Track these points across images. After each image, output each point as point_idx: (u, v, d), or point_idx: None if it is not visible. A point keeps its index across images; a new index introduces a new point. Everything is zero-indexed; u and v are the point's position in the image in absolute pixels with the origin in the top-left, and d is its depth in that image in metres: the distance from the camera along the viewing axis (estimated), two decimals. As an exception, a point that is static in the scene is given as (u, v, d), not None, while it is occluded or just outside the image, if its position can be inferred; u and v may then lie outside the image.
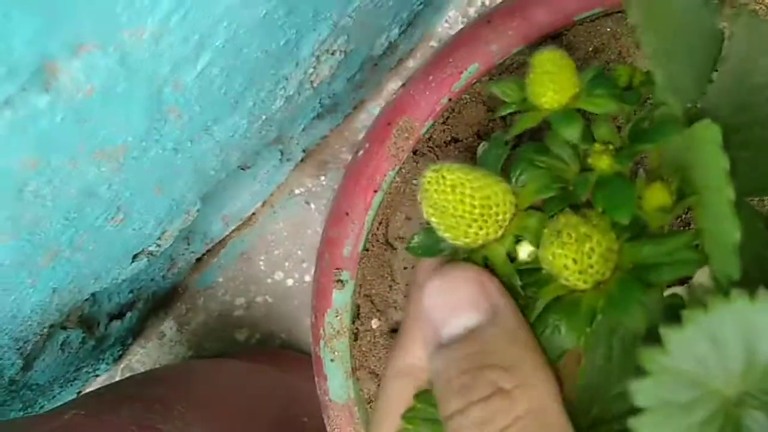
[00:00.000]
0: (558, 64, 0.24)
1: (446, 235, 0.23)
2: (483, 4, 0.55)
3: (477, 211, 0.23)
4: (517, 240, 0.24)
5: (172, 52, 0.30)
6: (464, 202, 0.23)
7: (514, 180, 0.25)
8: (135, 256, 0.46)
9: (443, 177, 0.23)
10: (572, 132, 0.24)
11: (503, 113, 0.25)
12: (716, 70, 0.26)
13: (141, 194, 0.38)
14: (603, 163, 0.24)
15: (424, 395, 0.24)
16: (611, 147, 0.25)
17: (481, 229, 0.23)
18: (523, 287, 0.24)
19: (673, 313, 0.20)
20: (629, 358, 0.23)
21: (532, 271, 0.24)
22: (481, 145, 0.27)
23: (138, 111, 0.31)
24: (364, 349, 0.38)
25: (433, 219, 0.23)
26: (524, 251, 0.24)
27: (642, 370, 0.18)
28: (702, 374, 0.18)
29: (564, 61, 0.24)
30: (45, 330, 0.43)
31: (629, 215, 0.22)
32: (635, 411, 0.18)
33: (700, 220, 0.23)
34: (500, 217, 0.23)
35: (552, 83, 0.24)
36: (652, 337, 0.23)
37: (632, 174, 0.26)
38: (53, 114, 0.27)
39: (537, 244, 0.23)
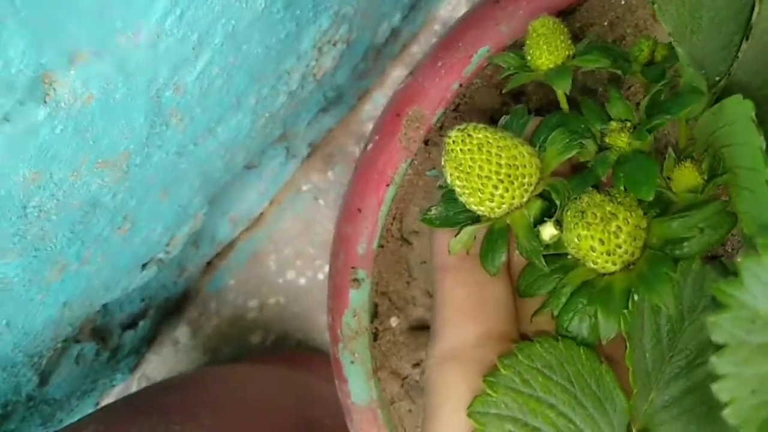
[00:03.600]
0: (551, 27, 0.25)
1: (470, 200, 0.23)
2: (484, -15, 0.53)
3: (504, 171, 0.22)
4: (540, 221, 0.23)
5: (170, 54, 0.29)
6: (491, 161, 0.22)
7: (537, 147, 0.24)
8: (144, 265, 0.45)
9: (469, 135, 0.22)
10: (564, 84, 0.24)
11: (504, 76, 0.26)
12: (746, 40, 0.25)
13: (146, 201, 0.37)
14: (620, 140, 0.24)
15: (509, 360, 0.23)
16: (628, 124, 0.24)
17: (507, 191, 0.22)
18: (548, 274, 0.23)
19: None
20: (678, 337, 0.22)
21: (556, 257, 0.23)
22: (502, 117, 0.26)
23: (138, 117, 0.30)
24: (384, 348, 0.37)
25: (457, 182, 0.22)
26: (547, 233, 0.23)
27: (717, 304, 0.17)
28: None
29: (556, 26, 0.25)
30: (58, 344, 0.42)
31: (652, 191, 0.22)
32: (712, 347, 0.17)
33: (735, 201, 0.22)
34: (526, 180, 0.22)
35: (546, 45, 0.25)
36: (699, 311, 0.22)
37: (660, 154, 0.25)
38: (53, 126, 0.26)
39: (564, 209, 0.22)
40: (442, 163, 0.23)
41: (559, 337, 0.23)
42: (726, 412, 0.16)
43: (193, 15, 0.28)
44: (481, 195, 0.22)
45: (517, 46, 0.32)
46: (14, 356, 0.38)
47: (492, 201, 0.22)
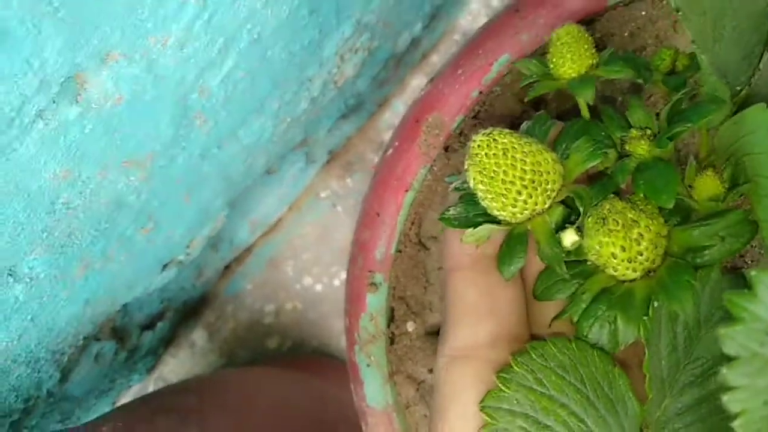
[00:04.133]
0: (575, 36, 0.25)
1: (492, 204, 0.23)
2: (505, -5, 0.54)
3: (528, 176, 0.22)
4: (561, 227, 0.23)
5: (197, 58, 0.30)
6: (515, 166, 0.22)
7: (559, 154, 0.24)
8: (165, 266, 0.46)
9: (494, 140, 0.22)
10: (587, 94, 0.24)
11: (525, 83, 0.26)
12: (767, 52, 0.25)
13: (170, 202, 0.38)
14: (641, 148, 0.24)
15: (523, 358, 0.23)
16: (648, 132, 0.24)
17: (530, 197, 0.22)
18: (568, 279, 0.23)
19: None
20: (694, 345, 0.22)
21: (576, 263, 0.23)
22: (524, 123, 0.26)
23: (165, 118, 0.31)
24: (400, 353, 0.37)
25: (480, 187, 0.22)
26: (568, 239, 0.23)
27: (730, 316, 0.17)
28: None
29: (580, 34, 0.25)
30: (80, 342, 0.43)
31: (672, 199, 0.22)
32: (724, 359, 0.17)
33: (755, 210, 0.22)
34: (549, 186, 0.22)
35: (570, 53, 0.25)
36: (715, 321, 0.22)
37: (681, 164, 0.25)
38: (83, 125, 0.27)
39: (586, 216, 0.22)
40: (465, 166, 0.23)
41: (573, 339, 0.23)
42: (736, 424, 0.17)
43: (220, 20, 0.29)
44: (504, 200, 0.22)
45: (537, 56, 0.32)
46: (38, 352, 0.39)
47: (515, 206, 0.22)
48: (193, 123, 0.34)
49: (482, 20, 0.53)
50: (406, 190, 0.34)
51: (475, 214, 0.24)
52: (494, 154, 0.22)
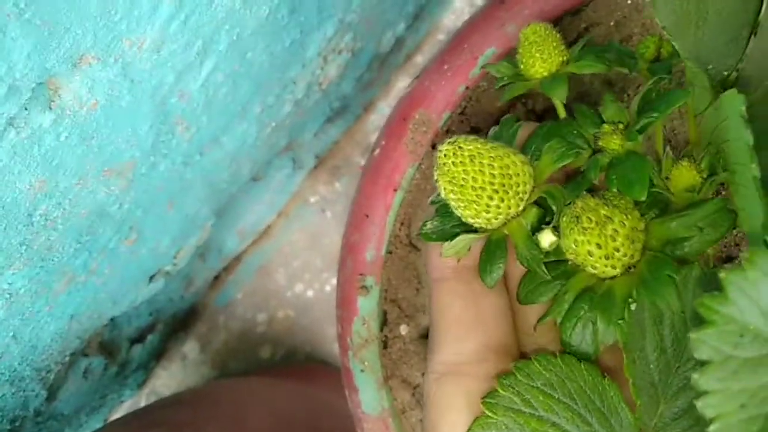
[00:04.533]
0: (542, 34, 0.25)
1: (466, 212, 0.22)
2: (488, -7, 0.53)
3: (497, 180, 0.22)
4: (538, 228, 0.23)
5: (174, 60, 0.29)
6: (484, 172, 0.22)
7: (529, 156, 0.24)
8: (152, 277, 0.45)
9: (460, 148, 0.22)
10: (560, 93, 0.24)
11: (498, 86, 0.25)
12: (754, 35, 0.25)
13: (153, 212, 0.37)
14: (613, 143, 0.23)
15: (508, 380, 0.22)
16: (620, 126, 0.24)
17: (502, 201, 0.22)
18: (550, 281, 0.23)
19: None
20: (684, 346, 0.21)
21: (556, 264, 0.23)
22: (491, 128, 0.26)
23: (144, 124, 0.30)
24: (394, 357, 0.37)
25: (451, 196, 0.22)
26: (546, 240, 0.22)
27: (701, 320, 0.16)
28: (767, 328, 0.16)
29: (548, 32, 0.25)
30: (66, 358, 0.42)
31: (645, 191, 0.21)
32: (697, 365, 0.16)
33: (733, 198, 0.21)
34: (521, 188, 0.22)
35: (539, 52, 0.25)
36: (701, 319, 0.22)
37: (677, 148, 0.25)
38: (58, 132, 0.26)
39: (560, 215, 0.22)
40: (435, 177, 0.23)
41: (558, 354, 0.22)
42: (711, 429, 0.16)
43: (197, 20, 0.28)
44: (476, 207, 0.22)
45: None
46: (22, 370, 0.38)
47: (488, 212, 0.22)
48: (174, 129, 0.33)
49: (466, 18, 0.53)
50: (395, 190, 0.34)
51: (452, 226, 0.24)
52: (461, 162, 0.22)
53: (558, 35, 0.25)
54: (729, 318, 0.16)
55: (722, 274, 0.17)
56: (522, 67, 0.25)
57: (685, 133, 0.30)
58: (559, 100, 0.25)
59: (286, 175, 0.55)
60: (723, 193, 0.27)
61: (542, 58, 0.25)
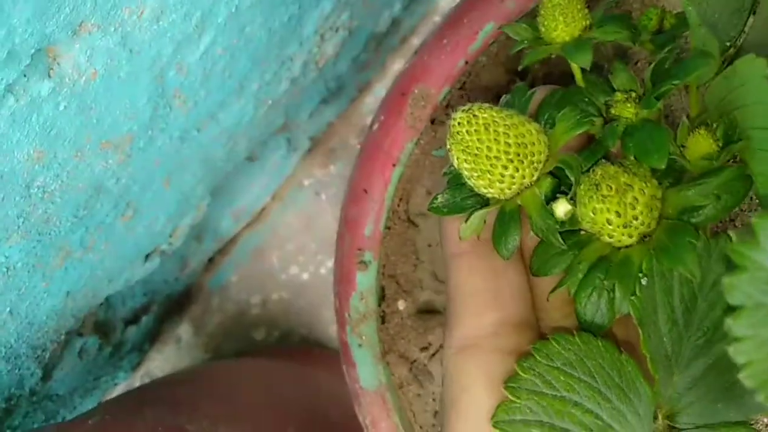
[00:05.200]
0: None
1: (479, 183, 0.22)
2: (484, -25, 0.53)
3: (513, 150, 0.21)
4: (552, 198, 0.22)
5: (173, 32, 0.29)
6: (499, 141, 0.21)
7: (542, 124, 0.23)
8: (147, 256, 0.45)
9: (475, 116, 0.21)
10: (584, 59, 0.23)
11: (516, 49, 0.24)
12: (755, 10, 0.25)
13: (149, 188, 0.37)
14: (627, 111, 0.23)
15: (528, 362, 0.22)
16: (633, 95, 0.24)
17: (517, 170, 0.22)
18: (565, 251, 0.22)
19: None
20: (693, 316, 0.21)
21: (570, 233, 0.23)
22: (503, 97, 0.25)
23: (142, 96, 0.30)
24: (392, 332, 0.37)
25: (465, 165, 0.22)
26: (561, 209, 0.22)
27: (733, 265, 0.16)
28: None
29: None
30: (62, 337, 0.42)
31: (664, 159, 0.21)
32: (729, 310, 0.16)
33: (750, 164, 0.21)
34: (536, 158, 0.22)
35: (562, 15, 0.24)
36: (708, 287, 0.22)
37: (674, 124, 0.25)
38: (57, 102, 0.26)
39: (578, 183, 0.22)
40: (448, 146, 0.22)
41: (576, 332, 0.22)
42: (743, 375, 0.16)
43: (196, -9, 0.28)
44: (490, 176, 0.22)
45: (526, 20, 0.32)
46: (18, 347, 0.38)
47: (502, 182, 0.22)
48: (172, 102, 0.33)
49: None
50: (394, 165, 0.34)
51: (462, 198, 0.24)
52: (476, 131, 0.21)
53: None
54: (760, 265, 0.16)
55: (754, 219, 0.16)
56: (543, 30, 0.24)
57: (683, 108, 0.30)
58: (582, 66, 0.24)
59: (281, 157, 0.55)
60: (738, 161, 0.27)
61: (565, 22, 0.24)
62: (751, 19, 0.25)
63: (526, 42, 0.25)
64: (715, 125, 0.23)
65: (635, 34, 0.26)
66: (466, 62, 0.32)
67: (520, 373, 0.22)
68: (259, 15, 0.33)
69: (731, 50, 0.25)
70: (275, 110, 0.44)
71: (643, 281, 0.21)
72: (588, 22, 0.24)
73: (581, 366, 0.22)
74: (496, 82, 0.33)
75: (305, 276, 0.61)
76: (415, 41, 0.55)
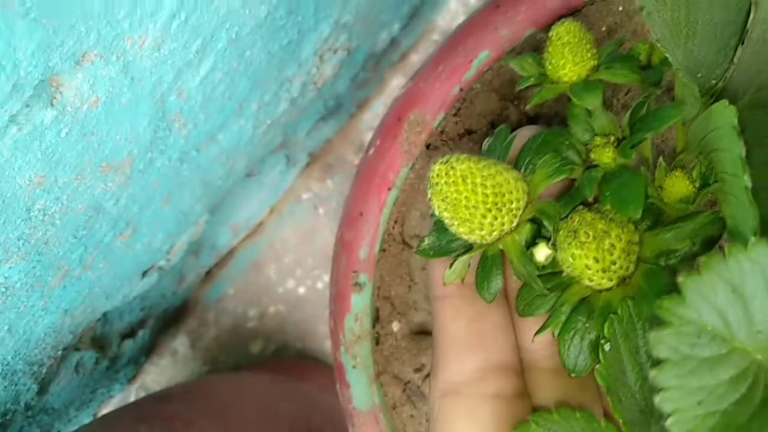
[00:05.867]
0: (577, 35, 0.24)
1: (460, 230, 0.22)
2: (481, -5, 0.54)
3: (490, 199, 0.22)
4: (533, 243, 0.23)
5: (174, 59, 0.29)
6: (476, 191, 0.22)
7: (522, 170, 0.24)
8: (145, 272, 0.45)
9: (452, 168, 0.22)
10: (593, 102, 0.23)
11: (522, 86, 0.24)
12: (742, 44, 0.25)
13: (149, 208, 0.38)
14: (606, 156, 0.23)
15: (522, 429, 0.23)
16: (612, 138, 0.24)
17: (496, 219, 0.22)
18: (546, 294, 0.23)
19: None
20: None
21: (552, 276, 0.23)
22: (485, 140, 0.26)
23: (143, 121, 0.31)
24: (386, 353, 0.37)
25: (445, 214, 0.22)
26: (541, 254, 0.23)
27: (660, 321, 0.17)
28: (724, 330, 0.17)
29: (583, 33, 0.24)
30: (59, 352, 0.42)
31: (639, 209, 0.22)
32: (654, 363, 0.17)
33: (722, 206, 0.22)
34: (514, 205, 0.22)
35: (572, 54, 0.24)
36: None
37: (664, 152, 0.25)
38: (59, 129, 0.26)
39: (556, 230, 0.22)
40: (429, 195, 0.23)
41: (554, 409, 0.23)
42: (669, 422, 0.17)
43: (197, 19, 0.28)
44: (470, 225, 0.22)
45: (516, 52, 0.32)
46: (15, 364, 0.38)
47: (482, 229, 0.22)
48: (172, 126, 0.33)
49: (461, 20, 0.53)
50: (389, 189, 0.34)
51: (447, 241, 0.24)
52: (453, 182, 0.22)
53: (591, 38, 0.24)
54: (686, 319, 0.17)
55: (680, 278, 0.17)
56: (550, 67, 0.24)
57: (674, 140, 0.31)
58: (591, 108, 0.24)
59: (280, 172, 0.55)
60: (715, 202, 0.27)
61: (574, 61, 0.24)
62: (738, 54, 0.26)
63: (532, 79, 0.25)
64: (692, 165, 0.24)
65: (643, 77, 0.26)
66: (461, 89, 0.32)
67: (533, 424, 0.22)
68: (258, 40, 0.34)
69: (720, 84, 0.26)
70: (274, 129, 0.44)
71: (606, 347, 0.21)
72: (596, 62, 0.24)
73: None
74: (490, 108, 0.33)
75: (302, 290, 0.62)
76: (414, 58, 0.55)
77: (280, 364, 0.60)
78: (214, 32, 0.30)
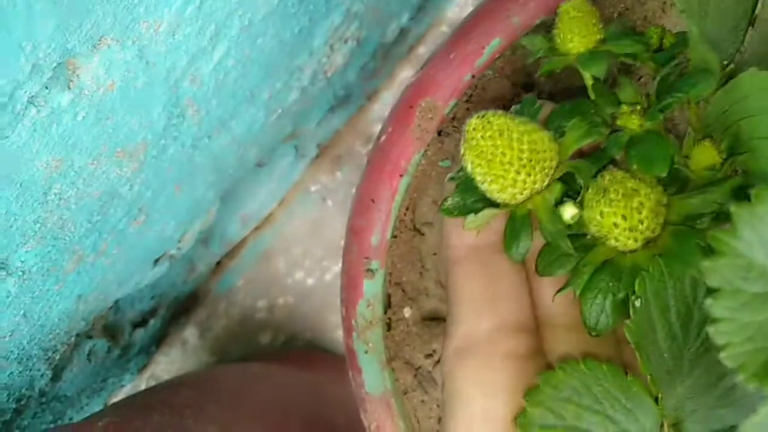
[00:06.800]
0: (583, 10, 0.25)
1: (492, 187, 0.23)
2: (491, -14, 0.54)
3: (526, 156, 0.22)
4: (561, 201, 0.23)
5: (188, 44, 0.30)
6: (512, 147, 0.22)
7: (553, 133, 0.24)
8: (156, 260, 0.46)
9: (489, 122, 0.22)
10: (599, 69, 0.24)
11: (533, 59, 0.25)
12: (752, 27, 0.26)
13: (161, 194, 0.38)
14: (632, 122, 0.24)
15: (536, 397, 0.23)
16: (638, 108, 0.24)
17: (529, 176, 0.22)
18: (571, 254, 0.23)
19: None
20: (692, 328, 0.22)
21: (575, 237, 0.23)
22: (513, 106, 0.26)
23: (157, 106, 0.31)
24: (397, 339, 0.37)
25: (478, 170, 0.22)
26: (568, 213, 0.23)
27: (712, 251, 0.17)
28: None
29: (588, 8, 0.25)
30: (72, 339, 0.43)
31: (666, 167, 0.22)
32: (708, 292, 0.17)
33: (753, 169, 0.22)
34: (547, 164, 0.22)
35: (578, 27, 0.25)
36: (700, 299, 0.22)
37: (678, 136, 0.25)
38: (75, 112, 0.26)
39: (586, 188, 0.22)
40: (462, 151, 0.23)
41: (581, 359, 0.23)
42: (723, 355, 0.16)
43: (211, 5, 0.29)
44: (503, 181, 0.22)
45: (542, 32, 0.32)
46: (30, 349, 0.38)
47: (515, 186, 0.22)
48: (185, 112, 0.33)
49: (469, 11, 0.53)
50: (401, 175, 0.34)
51: (473, 201, 0.24)
52: (490, 136, 0.22)
53: (597, 13, 0.25)
54: (738, 252, 0.16)
55: (732, 207, 0.17)
56: (559, 41, 0.25)
57: (684, 124, 0.31)
58: (596, 75, 0.24)
59: (289, 163, 0.55)
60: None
61: (581, 34, 0.25)
62: (749, 35, 0.26)
63: (541, 52, 0.26)
64: (719, 138, 0.24)
65: (647, 48, 0.27)
66: (473, 76, 0.32)
67: (529, 409, 0.22)
68: (270, 27, 0.34)
69: (730, 66, 0.26)
70: (284, 118, 0.45)
71: (637, 303, 0.21)
72: (602, 36, 0.25)
73: (588, 393, 0.22)
74: (502, 95, 0.33)
75: (311, 281, 0.62)
76: (423, 50, 0.55)
77: (289, 354, 0.61)
78: (228, 19, 0.31)
